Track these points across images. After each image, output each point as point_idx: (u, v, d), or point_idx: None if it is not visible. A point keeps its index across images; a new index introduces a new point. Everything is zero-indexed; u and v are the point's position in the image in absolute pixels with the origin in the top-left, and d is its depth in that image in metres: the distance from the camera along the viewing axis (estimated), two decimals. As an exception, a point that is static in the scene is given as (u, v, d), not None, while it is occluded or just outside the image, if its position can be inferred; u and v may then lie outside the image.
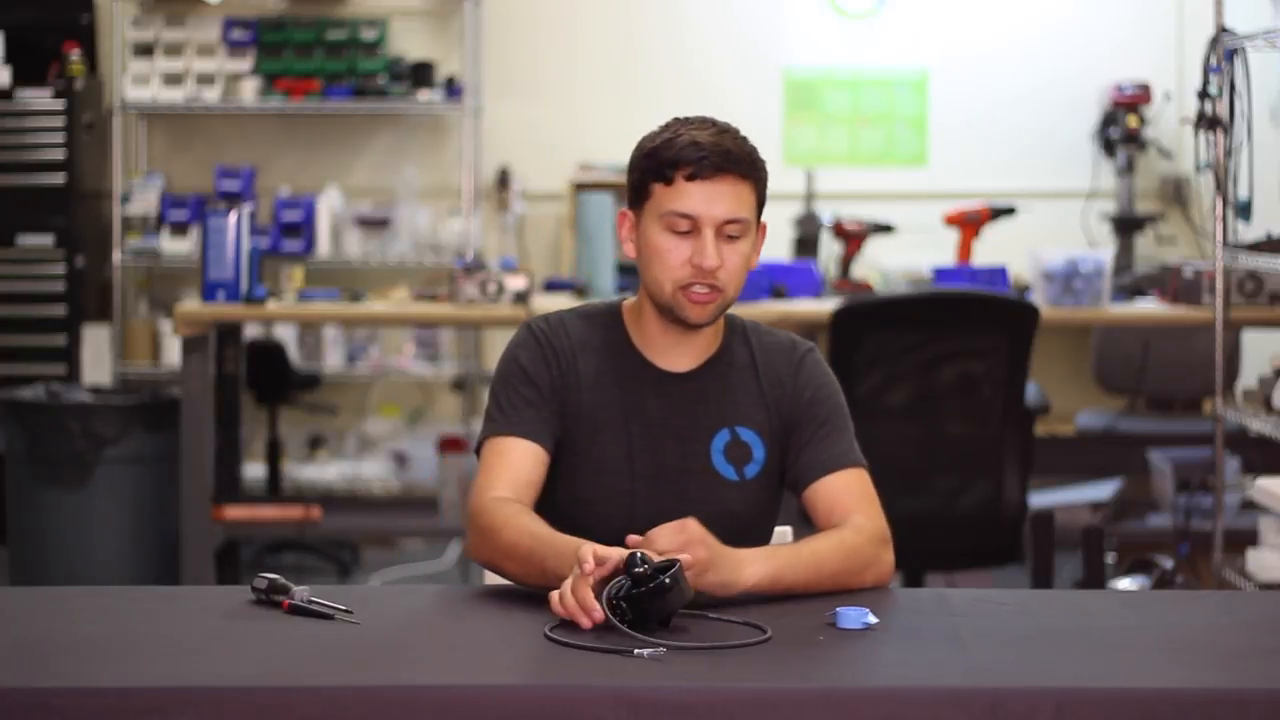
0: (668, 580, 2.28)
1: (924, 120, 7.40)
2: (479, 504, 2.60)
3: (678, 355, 2.72)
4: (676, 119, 2.67)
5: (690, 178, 2.60)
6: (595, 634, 2.27)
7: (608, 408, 2.70)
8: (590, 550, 2.32)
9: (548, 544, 2.47)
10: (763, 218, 2.70)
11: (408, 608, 2.55)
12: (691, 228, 2.61)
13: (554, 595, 2.34)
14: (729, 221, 2.61)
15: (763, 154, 2.67)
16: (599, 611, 2.27)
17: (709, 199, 2.60)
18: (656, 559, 2.31)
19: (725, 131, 2.64)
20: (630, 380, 2.71)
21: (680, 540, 2.39)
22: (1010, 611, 2.53)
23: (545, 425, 2.67)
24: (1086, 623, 2.45)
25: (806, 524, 2.76)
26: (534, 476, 2.65)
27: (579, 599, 2.29)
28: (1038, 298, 5.44)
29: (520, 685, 2.14)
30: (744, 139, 2.64)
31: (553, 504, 2.69)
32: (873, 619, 2.36)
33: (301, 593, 2.41)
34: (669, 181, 2.61)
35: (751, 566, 2.47)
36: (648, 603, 2.28)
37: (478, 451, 2.70)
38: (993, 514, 4.74)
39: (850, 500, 2.69)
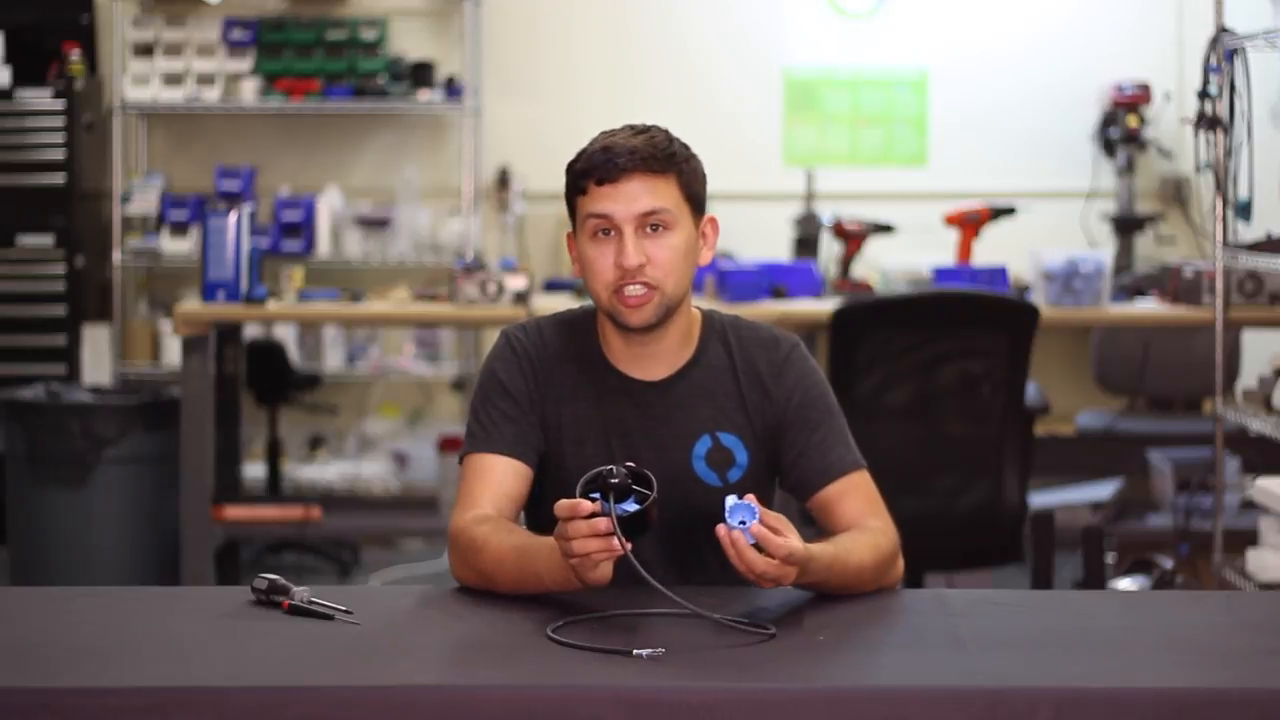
0: (655, 495, 2.30)
1: (924, 120, 7.40)
2: (458, 525, 2.58)
3: (648, 364, 2.70)
4: (602, 132, 2.66)
5: (600, 182, 2.60)
6: (597, 634, 2.27)
7: (586, 420, 2.69)
8: (573, 503, 2.31)
9: (533, 550, 2.45)
10: (709, 212, 2.69)
11: (408, 608, 2.55)
12: (611, 228, 2.60)
13: (575, 564, 2.32)
14: (646, 214, 2.60)
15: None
16: (616, 545, 2.27)
17: (621, 198, 2.59)
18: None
19: (643, 133, 2.63)
20: (606, 392, 2.70)
21: (778, 571, 2.36)
22: (1010, 611, 2.53)
23: (526, 440, 2.66)
24: (1086, 623, 2.45)
25: (809, 525, 2.75)
26: (515, 492, 2.64)
27: (597, 546, 2.29)
28: (1038, 298, 5.44)
29: (520, 685, 2.13)
30: (663, 138, 2.63)
31: (538, 517, 2.69)
32: (753, 510, 2.35)
33: (301, 593, 2.41)
34: (584, 191, 2.62)
35: (814, 564, 2.43)
36: (637, 520, 2.29)
37: (461, 465, 2.70)
38: (993, 514, 4.73)
39: (863, 505, 2.68)
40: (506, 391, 2.68)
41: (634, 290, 2.60)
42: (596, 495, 2.31)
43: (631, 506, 2.30)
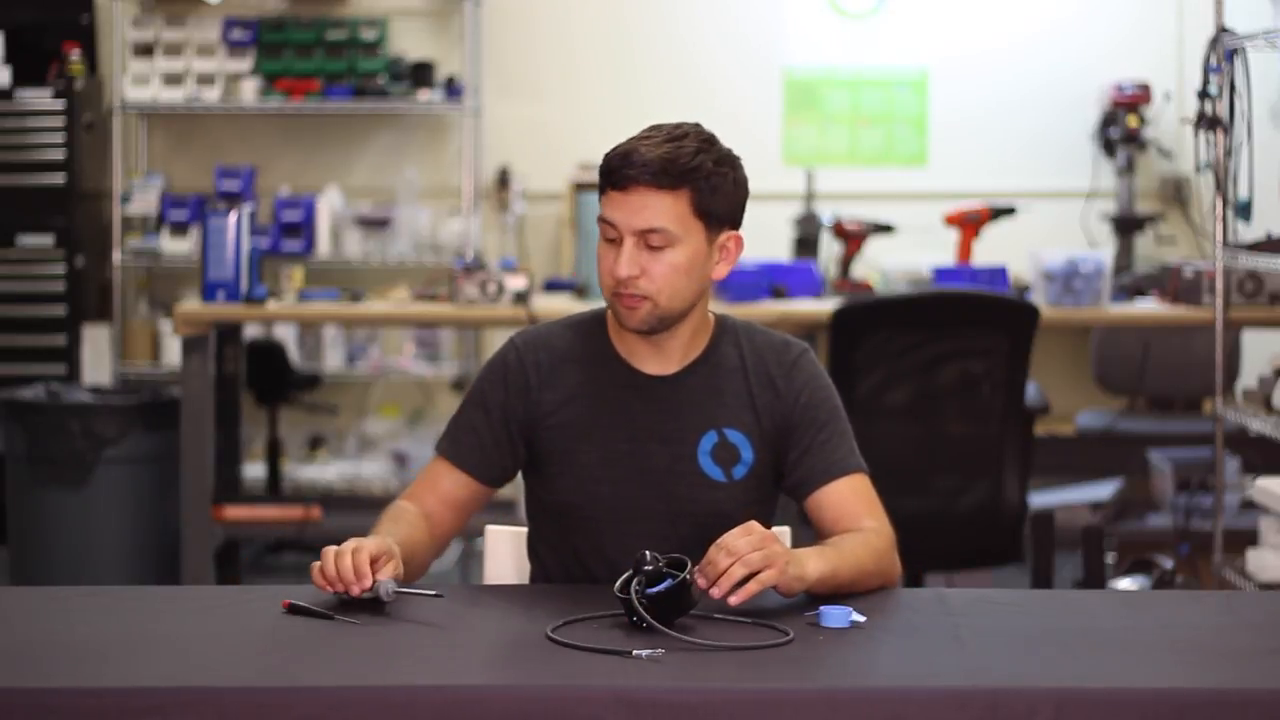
0: (688, 577, 2.29)
1: (924, 120, 7.40)
2: (395, 501, 2.77)
3: (659, 359, 2.73)
4: (652, 125, 2.67)
5: (614, 187, 2.63)
6: (597, 634, 2.27)
7: (591, 415, 2.71)
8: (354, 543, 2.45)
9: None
10: (737, 230, 2.68)
11: (408, 608, 2.55)
12: (616, 235, 2.64)
13: (315, 567, 2.44)
14: (647, 231, 2.61)
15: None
16: (368, 579, 2.39)
17: (628, 208, 2.61)
18: (661, 557, 2.32)
19: (672, 140, 2.61)
20: (614, 387, 2.72)
21: (755, 539, 2.39)
22: (1010, 611, 2.53)
23: (482, 454, 2.74)
24: (1086, 623, 2.45)
25: (805, 526, 2.76)
26: (452, 498, 2.75)
27: (351, 564, 2.40)
28: (1038, 298, 5.44)
29: (520, 685, 2.14)
30: (689, 150, 2.61)
31: (543, 511, 2.76)
32: (859, 617, 2.36)
33: (387, 585, 2.41)
34: (604, 191, 2.66)
35: (812, 562, 2.47)
36: (666, 601, 2.28)
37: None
38: (993, 514, 4.74)
39: (859, 506, 2.69)
40: (482, 403, 2.75)
41: (627, 296, 2.64)
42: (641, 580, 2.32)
43: (663, 586, 2.30)
